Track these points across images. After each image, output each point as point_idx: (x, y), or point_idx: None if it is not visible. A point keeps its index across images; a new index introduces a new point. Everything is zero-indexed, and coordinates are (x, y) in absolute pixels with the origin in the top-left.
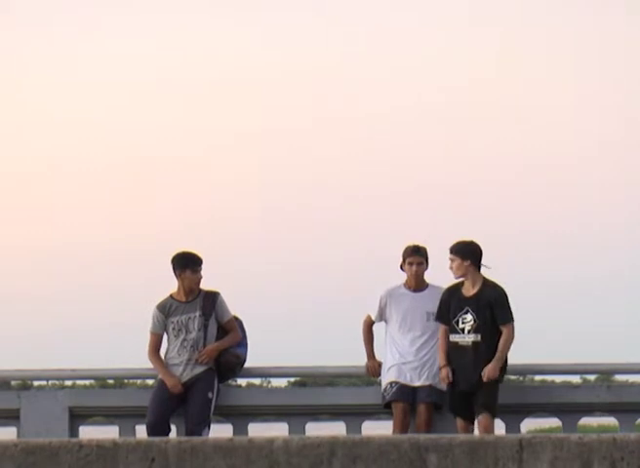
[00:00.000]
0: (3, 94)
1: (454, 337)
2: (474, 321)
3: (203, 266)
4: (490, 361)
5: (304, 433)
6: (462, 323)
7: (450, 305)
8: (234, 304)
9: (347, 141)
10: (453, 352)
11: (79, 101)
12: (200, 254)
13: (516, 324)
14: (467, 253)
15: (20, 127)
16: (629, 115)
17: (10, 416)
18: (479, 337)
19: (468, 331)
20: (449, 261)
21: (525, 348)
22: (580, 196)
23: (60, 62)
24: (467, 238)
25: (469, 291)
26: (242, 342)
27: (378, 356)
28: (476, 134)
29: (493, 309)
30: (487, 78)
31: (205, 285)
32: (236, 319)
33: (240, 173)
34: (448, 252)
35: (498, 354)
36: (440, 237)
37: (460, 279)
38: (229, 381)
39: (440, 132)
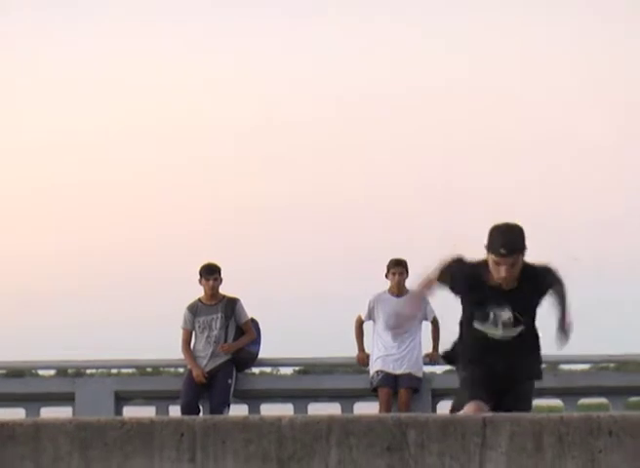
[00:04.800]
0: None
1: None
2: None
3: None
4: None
5: (307, 412)
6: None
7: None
8: (253, 305)
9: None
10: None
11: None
12: (218, 264)
13: None
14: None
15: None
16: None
17: (66, 399)
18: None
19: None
20: (501, 265)
21: None
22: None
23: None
24: (501, 224)
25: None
26: (256, 340)
27: (366, 349)
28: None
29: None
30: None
31: (227, 288)
32: (253, 321)
33: (241, 172)
34: (496, 255)
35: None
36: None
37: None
38: (245, 370)
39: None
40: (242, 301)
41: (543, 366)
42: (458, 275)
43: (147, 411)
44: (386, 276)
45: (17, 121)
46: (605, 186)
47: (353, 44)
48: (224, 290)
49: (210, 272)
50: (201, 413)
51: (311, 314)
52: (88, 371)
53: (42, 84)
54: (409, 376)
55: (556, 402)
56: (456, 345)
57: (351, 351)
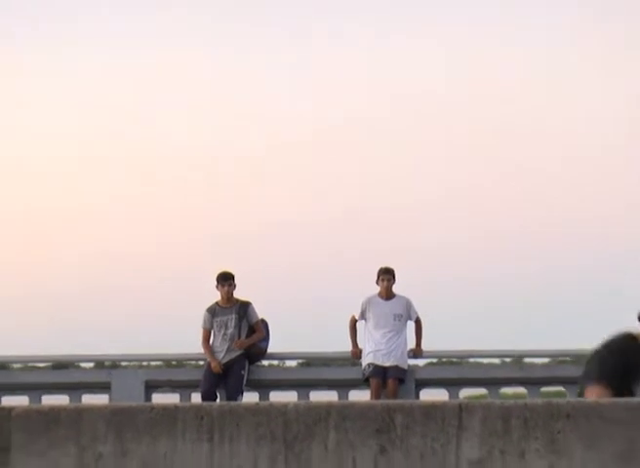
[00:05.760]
0: None
1: None
2: None
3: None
4: None
5: (309, 399)
6: None
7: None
8: (263, 307)
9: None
10: None
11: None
12: (231, 272)
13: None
14: None
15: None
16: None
17: (103, 387)
18: None
19: None
20: None
21: (462, 337)
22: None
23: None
24: None
25: None
26: (266, 338)
27: (359, 344)
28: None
29: None
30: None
31: (242, 292)
32: (263, 321)
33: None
34: None
35: None
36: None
37: None
38: (256, 363)
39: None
40: (253, 305)
41: (509, 360)
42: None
43: (172, 398)
44: (377, 282)
45: None
46: None
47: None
48: (238, 294)
49: (225, 279)
50: (218, 400)
51: (312, 314)
52: (122, 364)
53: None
54: (396, 368)
55: (521, 390)
56: None
57: (346, 347)
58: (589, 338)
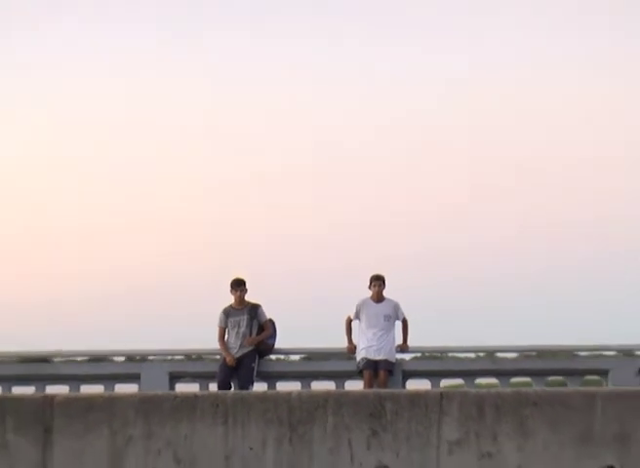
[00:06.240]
0: None
1: None
2: None
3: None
4: None
5: (310, 388)
6: None
7: None
8: (271, 308)
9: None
10: None
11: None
12: (243, 278)
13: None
14: None
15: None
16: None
17: (134, 378)
18: None
19: None
20: None
21: (440, 335)
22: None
23: None
24: None
25: None
26: (273, 335)
27: (354, 341)
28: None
29: None
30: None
31: (254, 295)
32: (270, 320)
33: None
34: None
35: None
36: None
37: None
38: (265, 357)
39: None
40: (262, 307)
41: (483, 354)
42: None
43: (193, 387)
44: (369, 287)
45: None
46: None
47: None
48: (249, 297)
49: (238, 285)
50: (232, 389)
51: (313, 315)
52: (149, 358)
53: None
54: (386, 362)
55: (493, 380)
56: None
57: (343, 343)
58: (552, 336)
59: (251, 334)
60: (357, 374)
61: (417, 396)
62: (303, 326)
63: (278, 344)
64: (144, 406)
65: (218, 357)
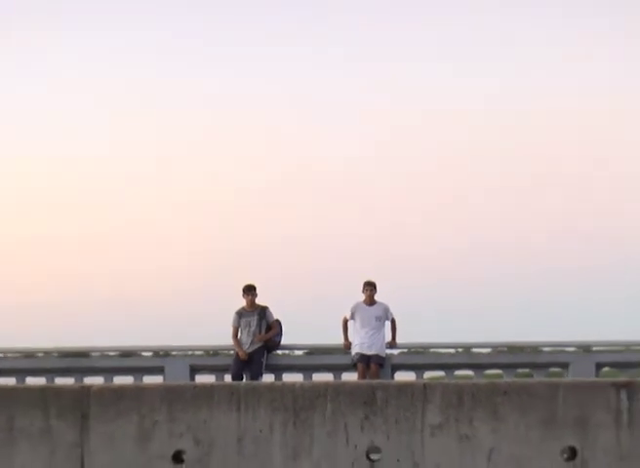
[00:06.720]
0: None
1: None
2: None
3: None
4: None
5: (312, 379)
6: None
7: None
8: (278, 309)
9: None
10: None
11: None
12: (254, 284)
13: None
14: None
15: None
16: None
17: (159, 371)
18: None
19: None
20: None
21: (424, 332)
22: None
23: None
24: None
25: None
26: (279, 333)
27: (350, 339)
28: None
29: None
30: None
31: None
32: (277, 320)
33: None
34: None
35: None
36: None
37: None
38: (272, 352)
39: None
40: (270, 308)
41: (461, 350)
42: None
43: (210, 379)
44: (362, 291)
45: None
46: None
47: None
48: (259, 300)
49: (249, 290)
50: (244, 380)
51: (314, 315)
52: (173, 353)
53: None
54: (377, 356)
55: (469, 373)
56: None
57: (340, 340)
58: (520, 333)
59: (260, 333)
60: (352, 367)
61: (404, 386)
62: (306, 324)
63: (284, 341)
64: (168, 395)
65: (232, 352)
